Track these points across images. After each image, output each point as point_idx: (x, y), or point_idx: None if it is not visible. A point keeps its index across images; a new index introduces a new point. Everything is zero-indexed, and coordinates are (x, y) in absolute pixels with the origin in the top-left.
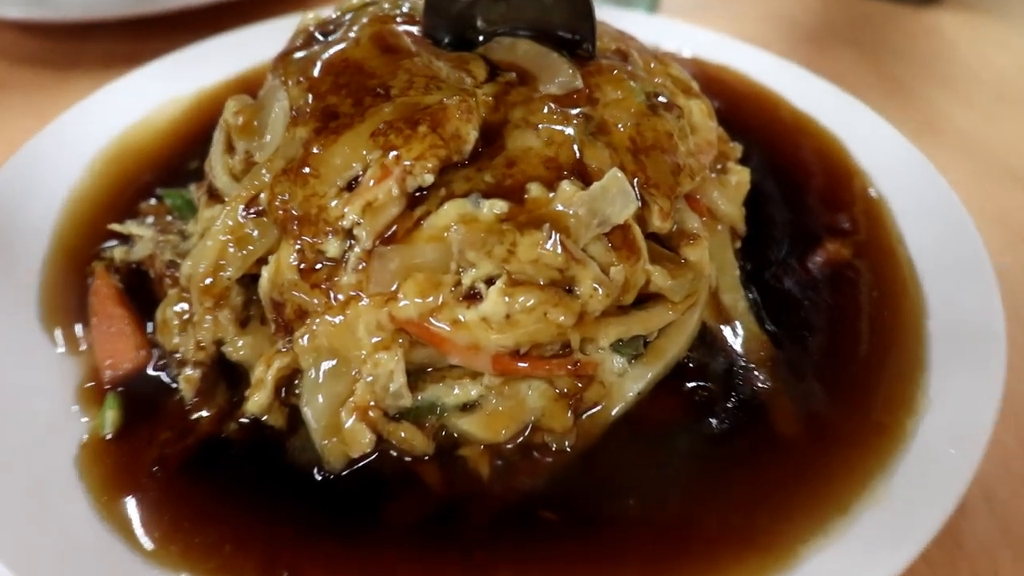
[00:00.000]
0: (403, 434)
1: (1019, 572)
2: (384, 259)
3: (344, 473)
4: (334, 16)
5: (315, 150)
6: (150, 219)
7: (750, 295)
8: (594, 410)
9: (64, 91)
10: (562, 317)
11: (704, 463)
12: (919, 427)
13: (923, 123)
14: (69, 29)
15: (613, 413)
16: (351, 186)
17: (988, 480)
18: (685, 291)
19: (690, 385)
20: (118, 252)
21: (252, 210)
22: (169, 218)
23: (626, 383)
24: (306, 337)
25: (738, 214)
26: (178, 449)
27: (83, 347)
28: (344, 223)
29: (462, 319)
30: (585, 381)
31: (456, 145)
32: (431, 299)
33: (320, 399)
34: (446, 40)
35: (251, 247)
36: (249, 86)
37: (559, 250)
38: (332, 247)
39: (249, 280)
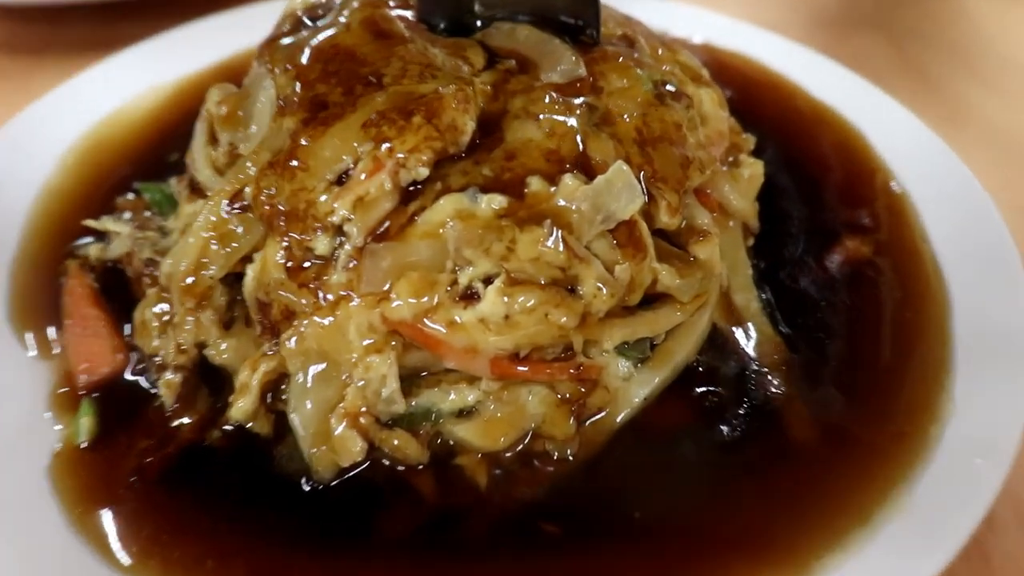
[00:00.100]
0: (396, 442)
1: None
2: (376, 257)
3: (334, 483)
4: (323, 0)
5: (303, 142)
6: (127, 215)
7: (763, 295)
8: (598, 417)
9: (34, 80)
10: (564, 318)
11: (714, 473)
12: (944, 434)
13: (949, 113)
14: (39, 12)
15: (618, 420)
16: (341, 180)
17: (1018, 491)
18: (694, 291)
19: (699, 390)
20: (93, 250)
21: (236, 205)
22: (148, 214)
23: (632, 388)
24: (294, 339)
25: (751, 209)
26: (157, 458)
27: (56, 350)
28: (334, 219)
29: (459, 320)
30: (588, 386)
31: (452, 137)
32: (426, 299)
33: (308, 405)
34: (442, 25)
35: (235, 244)
36: (233, 74)
37: (561, 247)
38: (321, 244)
39: (233, 279)
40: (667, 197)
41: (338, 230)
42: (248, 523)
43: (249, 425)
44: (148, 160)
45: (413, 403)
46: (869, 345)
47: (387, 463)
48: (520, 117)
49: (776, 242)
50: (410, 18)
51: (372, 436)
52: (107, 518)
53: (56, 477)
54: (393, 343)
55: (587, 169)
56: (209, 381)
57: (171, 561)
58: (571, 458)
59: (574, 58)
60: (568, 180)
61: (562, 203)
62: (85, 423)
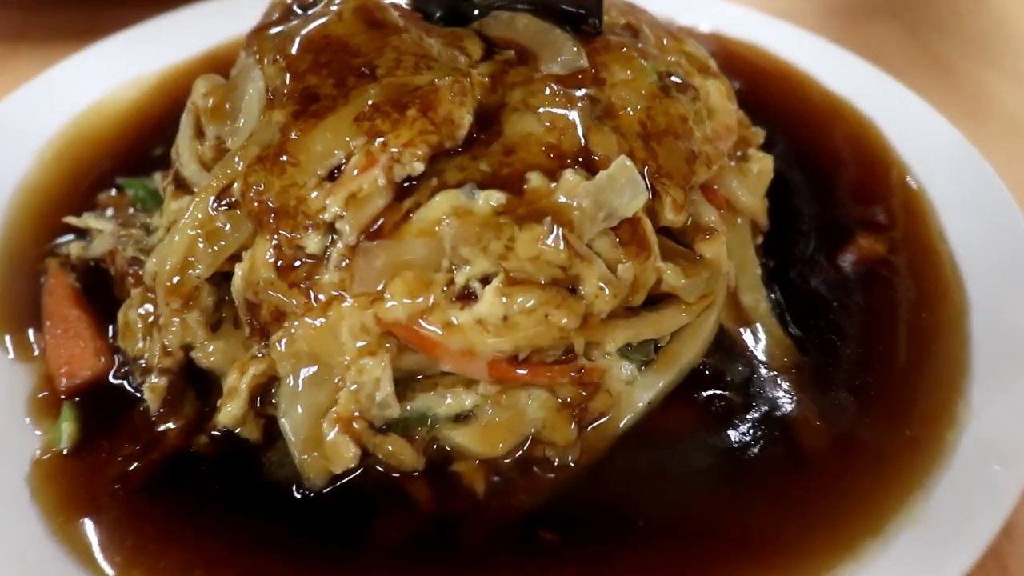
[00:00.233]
0: (390, 448)
1: None
2: (369, 256)
3: (326, 490)
4: None
5: (293, 136)
6: (110, 211)
7: (773, 295)
8: (600, 421)
9: (9, 70)
10: (565, 319)
11: (721, 480)
12: (960, 440)
13: (969, 105)
14: None
15: (621, 425)
16: (333, 175)
17: None
18: (700, 291)
19: (706, 394)
20: (74, 248)
21: (224, 202)
22: (131, 210)
23: (635, 392)
24: (284, 341)
25: (760, 206)
26: (142, 465)
27: (36, 353)
28: (325, 216)
29: (455, 321)
30: (590, 390)
31: (449, 130)
32: (421, 299)
33: (299, 409)
34: (438, 14)
35: (223, 242)
36: (220, 64)
37: (561, 246)
38: (312, 242)
39: (221, 279)
40: (672, 193)
41: (330, 228)
42: (237, 532)
43: (237, 430)
44: (131, 154)
45: (408, 407)
46: (883, 347)
47: (381, 470)
48: (519, 110)
49: (786, 240)
50: (405, 7)
51: (365, 442)
52: (90, 527)
53: (36, 485)
54: (387, 345)
55: (589, 164)
56: (196, 385)
57: (156, 571)
58: (572, 465)
59: (575, 48)
60: (569, 176)
61: (563, 200)
62: (67, 429)
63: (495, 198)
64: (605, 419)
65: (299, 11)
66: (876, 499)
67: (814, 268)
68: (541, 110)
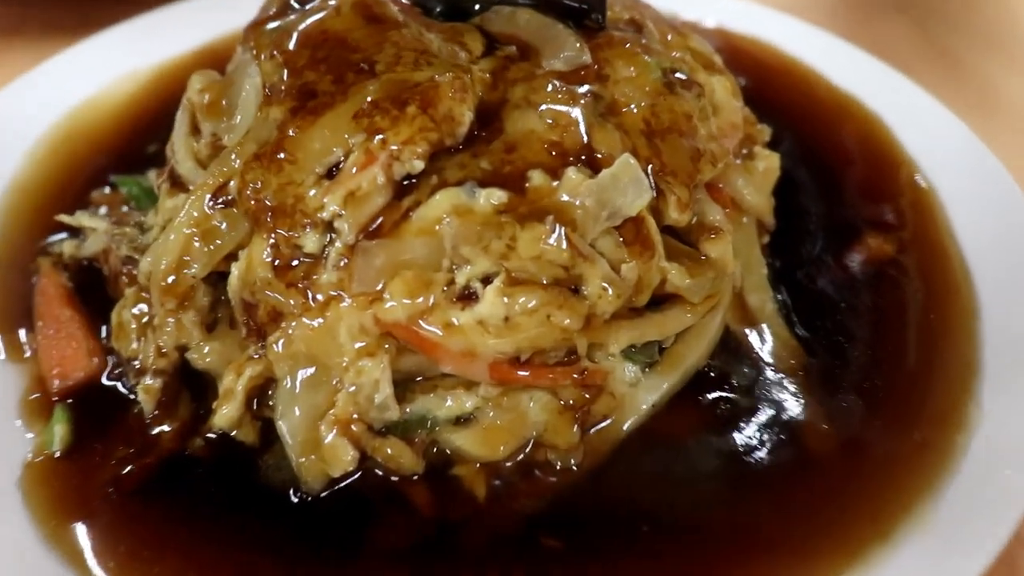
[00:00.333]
0: (389, 451)
1: None
2: (368, 255)
3: (324, 494)
4: None
5: (291, 133)
6: (103, 210)
7: (779, 296)
8: (603, 424)
9: (2, 64)
10: (567, 320)
11: (727, 484)
12: (971, 443)
13: (979, 101)
14: None
15: (624, 428)
16: (331, 173)
17: None
18: (705, 291)
19: (711, 397)
20: (67, 247)
21: (220, 200)
22: (125, 208)
23: (639, 394)
24: (281, 342)
25: (766, 205)
26: (136, 468)
27: (27, 354)
28: (324, 215)
29: (456, 322)
30: (593, 392)
31: (449, 128)
32: (421, 300)
33: (297, 412)
34: (438, 9)
35: (219, 241)
36: (216, 59)
37: (564, 245)
38: (310, 242)
39: (217, 279)
40: (677, 192)
41: (328, 226)
42: (233, 537)
43: (234, 433)
44: (125, 151)
45: (407, 410)
46: (892, 349)
47: (380, 473)
48: (521, 107)
49: (793, 240)
50: (404, 1)
51: (364, 445)
52: (83, 532)
53: (28, 489)
54: (386, 346)
55: (592, 162)
56: (191, 386)
57: None
58: (575, 468)
59: (578, 44)
60: (572, 174)
61: (565, 198)
62: (59, 431)
63: (496, 197)
64: (608, 422)
65: (297, 5)
66: (884, 504)
67: (821, 268)
68: (543, 107)
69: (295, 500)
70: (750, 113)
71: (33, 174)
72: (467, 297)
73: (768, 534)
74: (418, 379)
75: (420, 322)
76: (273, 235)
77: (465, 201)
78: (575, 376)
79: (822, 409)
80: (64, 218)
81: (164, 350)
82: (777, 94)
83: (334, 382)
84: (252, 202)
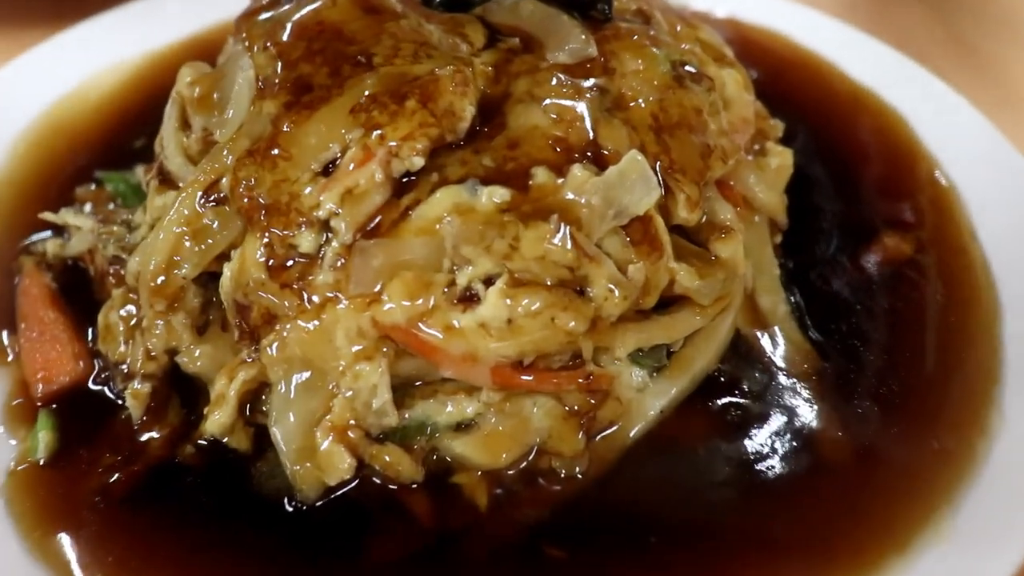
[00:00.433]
0: (388, 458)
1: None
2: (366, 255)
3: (319, 503)
4: None
5: (285, 128)
6: (88, 207)
7: (792, 298)
8: (609, 431)
9: None
10: (572, 323)
11: (737, 493)
12: (991, 451)
13: (1002, 95)
14: None
15: (631, 434)
16: (328, 170)
17: None
18: (715, 293)
19: (721, 402)
20: (51, 246)
21: (212, 197)
22: (111, 206)
23: (646, 400)
24: (275, 345)
25: (779, 203)
26: (124, 476)
27: (10, 358)
28: (320, 213)
29: (457, 325)
30: (599, 397)
31: (450, 123)
32: (421, 302)
33: (291, 418)
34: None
35: (210, 241)
36: (205, 50)
37: (569, 245)
38: (306, 241)
39: (208, 279)
40: (686, 190)
41: (324, 225)
42: (225, 547)
43: (226, 440)
44: (110, 147)
45: (406, 415)
46: (909, 353)
47: (378, 481)
48: (524, 101)
49: (807, 239)
50: None
51: (361, 452)
52: (69, 542)
53: (12, 498)
54: (384, 350)
55: (598, 159)
56: (181, 391)
57: None
58: (580, 476)
59: (584, 36)
60: (577, 171)
61: (570, 196)
62: (43, 438)
63: (499, 195)
64: (614, 428)
65: None
66: (900, 514)
67: (836, 269)
68: (547, 101)
69: (290, 509)
70: (762, 107)
71: (14, 170)
72: (468, 299)
73: (780, 545)
74: (417, 384)
75: (420, 324)
76: (267, 234)
77: (466, 199)
78: (580, 381)
79: (836, 415)
80: (48, 216)
81: (153, 353)
82: (790, 87)
83: (330, 387)
84: (245, 200)
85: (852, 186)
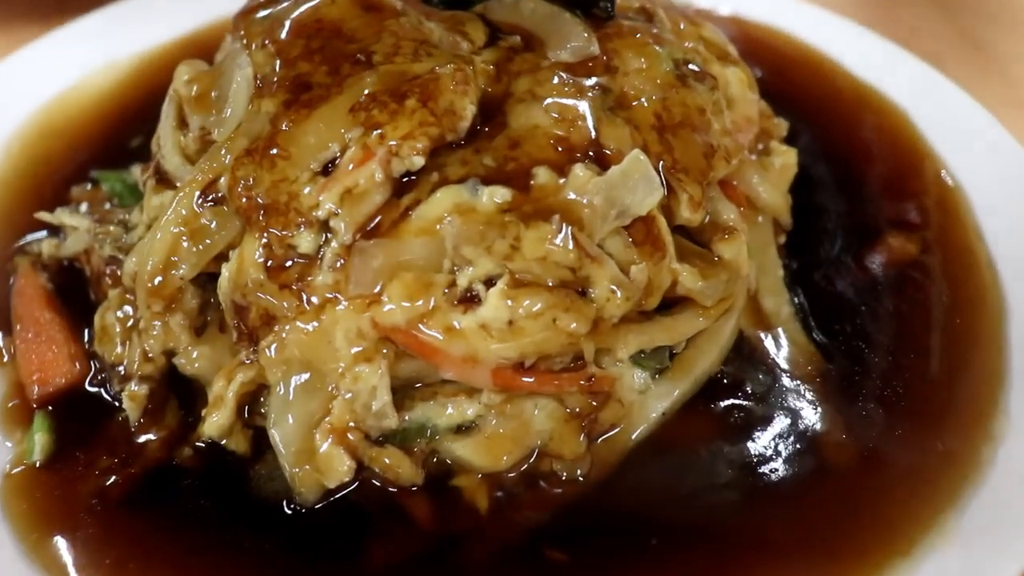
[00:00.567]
0: (387, 460)
1: None
2: (366, 256)
3: (318, 506)
4: None
5: (284, 127)
6: (84, 207)
7: (796, 299)
8: (611, 433)
9: None
10: (574, 324)
11: (739, 496)
12: (997, 455)
13: (1010, 94)
14: None
15: (633, 437)
16: (327, 170)
17: None
18: (718, 294)
19: (724, 404)
20: (46, 246)
21: (210, 197)
22: (107, 206)
23: (648, 402)
24: (274, 347)
25: (783, 203)
26: (121, 479)
27: (5, 359)
28: (319, 213)
29: (457, 326)
30: (600, 399)
31: (450, 122)
32: (421, 303)
33: (290, 420)
34: None
35: (209, 241)
36: (202, 48)
37: (571, 246)
38: (305, 241)
39: (206, 280)
40: (689, 190)
41: (324, 226)
42: (223, 550)
43: (224, 442)
44: (106, 145)
45: (406, 418)
46: (914, 355)
47: (377, 484)
48: (525, 100)
49: (811, 240)
50: None
51: (361, 454)
52: (65, 545)
53: (8, 500)
54: (384, 351)
55: (600, 159)
56: (179, 393)
57: None
58: (581, 479)
59: (586, 34)
60: (579, 171)
61: (572, 196)
62: (40, 440)
63: (500, 195)
64: (616, 430)
65: None
66: (905, 517)
67: (840, 270)
68: (549, 100)
69: (288, 512)
70: (766, 106)
71: (9, 170)
72: (469, 300)
73: (783, 549)
74: (417, 385)
75: (420, 326)
76: (266, 234)
77: (467, 199)
78: (582, 383)
79: (840, 418)
80: (43, 216)
81: (150, 355)
82: (795, 86)
83: (330, 389)
84: (243, 200)
85: (856, 186)
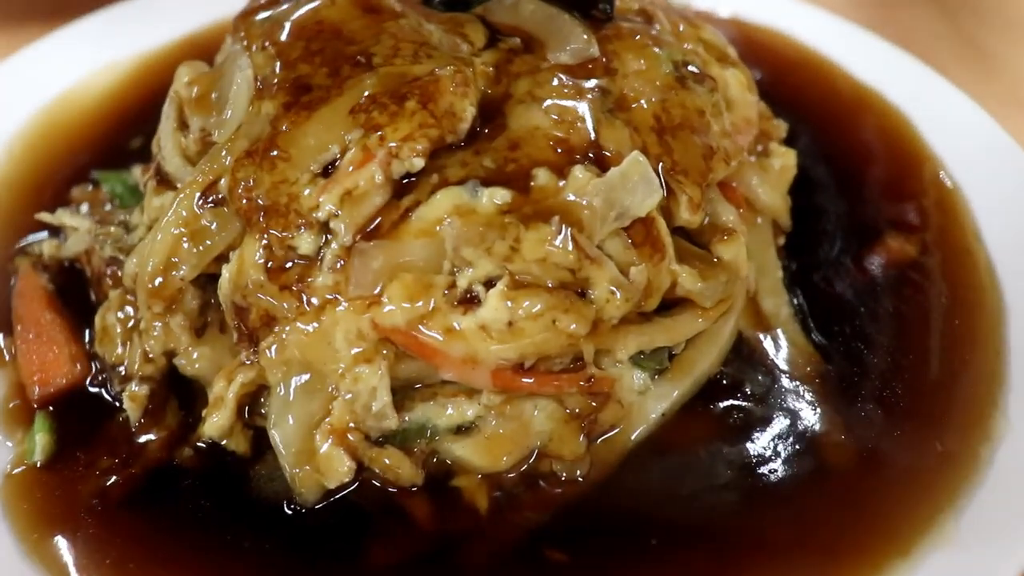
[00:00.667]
0: (387, 461)
1: None
2: (366, 257)
3: (318, 506)
4: None
5: (284, 128)
6: (84, 208)
7: (795, 300)
8: (610, 434)
9: None
10: (574, 325)
11: (739, 496)
12: (995, 456)
13: (1010, 96)
14: None
15: (633, 437)
16: (327, 171)
17: None
18: (718, 295)
19: (723, 405)
20: (47, 247)
21: (210, 198)
22: (108, 206)
23: (648, 402)
24: (274, 348)
25: (782, 205)
26: (122, 479)
27: (6, 359)
28: (319, 215)
29: (457, 327)
30: (600, 400)
31: (450, 124)
32: (421, 304)
33: (290, 420)
34: None
35: (209, 242)
36: (202, 49)
37: (570, 247)
38: (305, 243)
39: (206, 281)
40: (688, 191)
41: (324, 227)
42: (223, 551)
43: (224, 442)
44: (107, 146)
45: (406, 418)
46: (913, 356)
47: (377, 484)
48: (525, 102)
49: (810, 241)
50: None
51: (361, 455)
52: (66, 545)
53: (9, 500)
54: (384, 352)
55: (599, 160)
56: (179, 394)
57: None
58: (581, 480)
59: (585, 36)
60: (578, 172)
61: (572, 198)
62: (40, 440)
63: (500, 196)
64: (616, 431)
65: None
66: (904, 518)
67: (839, 271)
68: (548, 102)
69: (289, 512)
70: (766, 108)
71: (10, 171)
72: (469, 301)
73: (783, 550)
74: (417, 386)
75: (420, 327)
76: (266, 236)
77: (467, 201)
78: (581, 383)
79: (840, 419)
80: (44, 216)
81: (151, 355)
82: (794, 88)
83: (330, 389)
84: (244, 201)
85: (856, 187)
